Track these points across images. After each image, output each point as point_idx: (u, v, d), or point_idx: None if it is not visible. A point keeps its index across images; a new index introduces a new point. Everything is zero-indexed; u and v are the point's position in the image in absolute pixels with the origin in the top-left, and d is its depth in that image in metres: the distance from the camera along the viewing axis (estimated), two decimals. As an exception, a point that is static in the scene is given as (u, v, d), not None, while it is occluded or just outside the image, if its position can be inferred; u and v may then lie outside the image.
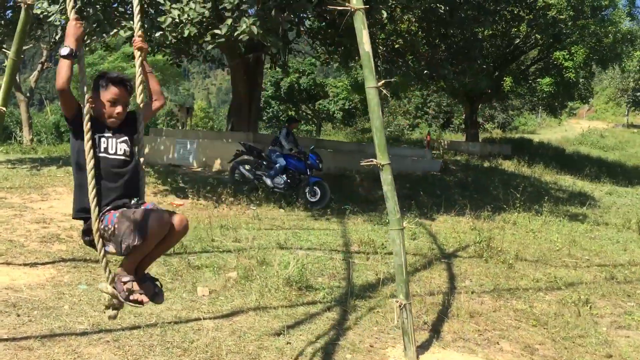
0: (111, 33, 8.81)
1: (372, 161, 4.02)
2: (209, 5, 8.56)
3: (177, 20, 8.39)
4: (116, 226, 2.76)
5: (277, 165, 10.83)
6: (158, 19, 8.41)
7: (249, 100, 13.53)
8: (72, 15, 2.90)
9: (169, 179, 10.70)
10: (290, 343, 4.12)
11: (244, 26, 7.97)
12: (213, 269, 5.92)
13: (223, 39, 8.60)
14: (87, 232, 2.93)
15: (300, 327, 4.49)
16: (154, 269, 5.77)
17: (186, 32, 8.51)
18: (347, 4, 4.02)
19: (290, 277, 5.51)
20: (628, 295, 6.41)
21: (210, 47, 8.85)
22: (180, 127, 24.45)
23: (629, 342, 4.87)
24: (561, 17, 16.85)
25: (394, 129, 49.98)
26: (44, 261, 5.93)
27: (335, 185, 12.07)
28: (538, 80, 20.71)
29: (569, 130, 50.91)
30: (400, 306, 4.02)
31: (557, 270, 7.28)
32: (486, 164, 19.77)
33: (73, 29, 2.81)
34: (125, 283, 2.84)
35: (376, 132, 4.00)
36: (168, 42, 9.03)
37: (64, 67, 2.74)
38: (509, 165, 20.03)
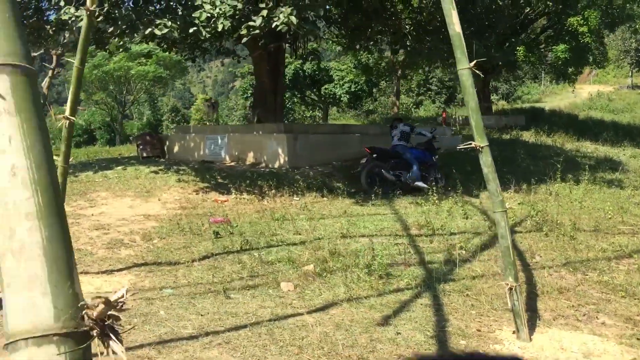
0: (146, 32, 8.71)
1: (471, 144, 3.98)
2: (242, -2, 8.48)
3: (209, 15, 8.31)
4: None
5: (414, 162, 11.03)
6: (193, 15, 8.32)
7: (274, 90, 13.45)
8: None
9: (207, 176, 10.67)
10: (400, 333, 4.10)
11: (282, 17, 7.89)
12: (288, 263, 5.90)
13: (258, 31, 8.51)
14: None
15: (401, 316, 4.47)
16: (227, 268, 5.79)
17: (220, 27, 8.43)
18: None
19: (369, 265, 5.50)
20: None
21: (245, 39, 8.77)
22: (209, 123, 24.28)
23: None
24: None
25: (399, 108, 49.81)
26: (118, 267, 5.92)
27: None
28: (552, 47, 20.53)
29: (570, 95, 50.72)
30: (511, 288, 4.00)
31: (619, 239, 7.26)
32: (506, 137, 19.71)
33: None
34: None
35: (472, 113, 3.95)
36: (202, 38, 8.94)
37: None
38: (528, 136, 19.95)
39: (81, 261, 6.05)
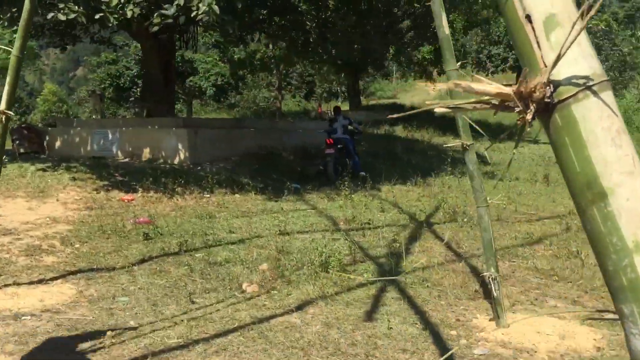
0: (48, 16, 7.87)
1: (459, 142, 4.16)
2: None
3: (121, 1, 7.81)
4: None
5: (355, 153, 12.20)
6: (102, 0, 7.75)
7: (165, 82, 12.86)
8: None
9: (104, 173, 9.98)
10: (392, 328, 4.19)
11: (203, 7, 7.59)
12: (238, 263, 5.76)
13: (171, 20, 8.13)
14: None
15: (381, 311, 4.56)
16: (173, 271, 5.53)
17: (129, 13, 7.94)
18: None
19: (326, 262, 5.54)
20: (587, 241, 7.15)
21: (155, 28, 8.29)
22: (94, 116, 22.51)
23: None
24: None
25: (262, 102, 49.98)
26: (50, 276, 5.39)
27: (270, 164, 12.02)
28: (418, 48, 21.75)
29: (424, 92, 54.18)
30: (492, 278, 4.25)
31: (521, 226, 7.95)
32: (381, 132, 20.58)
33: None
34: None
35: (461, 118, 4.14)
36: (110, 25, 8.33)
37: None
38: (400, 132, 20.99)
39: (5, 271, 5.43)
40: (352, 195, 9.42)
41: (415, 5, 19.94)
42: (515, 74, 58.16)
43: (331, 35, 11.32)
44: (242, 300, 4.82)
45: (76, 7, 7.65)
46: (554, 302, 4.99)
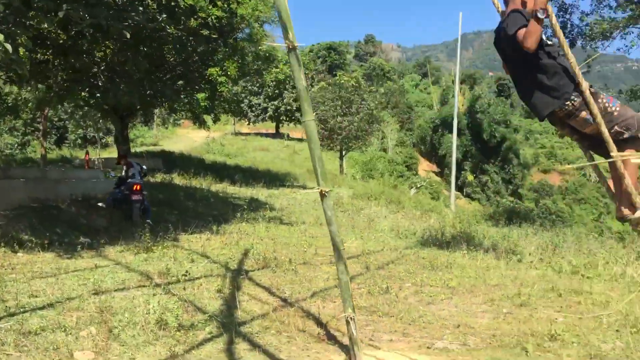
0: None
1: (317, 189, 4.30)
2: None
3: None
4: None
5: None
6: None
7: None
8: None
9: None
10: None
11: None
12: (58, 330, 5.08)
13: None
14: None
15: (239, 365, 4.44)
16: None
17: None
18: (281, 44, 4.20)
19: (160, 320, 5.20)
20: (389, 277, 7.83)
21: None
22: None
23: (430, 309, 6.21)
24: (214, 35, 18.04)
25: (6, 149, 45.16)
26: None
27: (49, 217, 10.87)
28: (193, 95, 21.77)
29: (184, 139, 54.21)
30: (349, 319, 4.42)
31: (326, 268, 8.40)
32: (158, 179, 20.02)
33: None
34: None
35: (318, 161, 4.29)
36: None
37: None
38: (179, 180, 20.64)
39: None
40: (154, 247, 8.99)
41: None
42: (274, 124, 61.50)
43: (120, 80, 10.82)
44: (81, 371, 4.28)
45: None
46: (388, 337, 5.36)
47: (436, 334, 5.35)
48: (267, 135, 59.54)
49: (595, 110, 3.50)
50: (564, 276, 7.80)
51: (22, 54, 8.52)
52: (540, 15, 3.41)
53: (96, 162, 23.81)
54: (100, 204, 12.29)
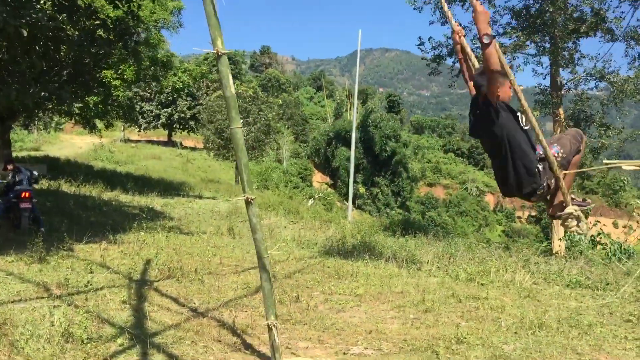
0: None
1: (244, 196, 4.29)
2: None
3: None
4: None
5: None
6: None
7: None
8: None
9: None
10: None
11: None
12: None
13: None
14: None
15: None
16: None
17: None
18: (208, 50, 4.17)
19: (65, 332, 4.94)
20: (297, 286, 7.90)
21: None
22: None
23: (341, 317, 6.37)
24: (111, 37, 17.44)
25: None
26: None
27: None
28: (84, 97, 20.77)
29: (67, 145, 51.60)
30: (272, 326, 4.43)
31: (236, 277, 8.34)
32: (45, 186, 18.87)
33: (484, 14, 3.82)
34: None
35: (244, 169, 4.28)
36: None
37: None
38: (67, 187, 19.58)
39: None
40: (47, 257, 8.50)
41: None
42: (167, 131, 59.92)
43: (12, 80, 10.07)
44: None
45: None
46: (304, 344, 5.41)
47: (350, 340, 5.47)
48: (158, 142, 57.96)
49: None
50: (460, 283, 8.24)
51: None
52: (485, 41, 3.77)
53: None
54: None
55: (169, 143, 57.66)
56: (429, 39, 18.68)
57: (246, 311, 6.50)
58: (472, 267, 9.10)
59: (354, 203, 60.47)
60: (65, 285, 6.89)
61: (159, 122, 55.15)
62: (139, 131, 57.38)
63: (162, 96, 49.92)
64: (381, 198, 60.97)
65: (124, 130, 57.12)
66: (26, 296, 6.42)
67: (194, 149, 56.83)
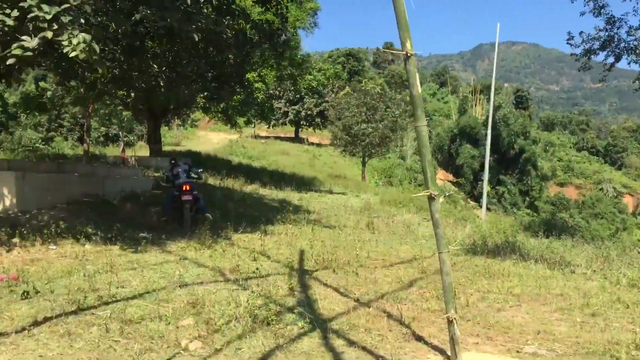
0: None
1: (427, 192, 4.48)
2: (14, 13, 7.20)
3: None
4: None
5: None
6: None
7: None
8: None
9: None
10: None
11: (78, 43, 6.96)
12: (156, 320, 5.30)
13: (31, 53, 7.28)
14: None
15: (346, 357, 4.62)
16: (85, 334, 4.92)
17: (-19, 43, 6.98)
18: (396, 50, 4.39)
19: (252, 313, 5.41)
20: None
21: (11, 61, 7.29)
22: None
23: (503, 315, 6.36)
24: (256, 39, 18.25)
25: (27, 143, 45.59)
26: None
27: (104, 211, 11.14)
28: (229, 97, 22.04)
29: (203, 140, 54.55)
30: (452, 319, 4.59)
31: (385, 271, 8.54)
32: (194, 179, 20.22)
33: None
34: None
35: (428, 165, 4.48)
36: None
37: None
38: (212, 181, 20.87)
39: None
40: (214, 244, 9.23)
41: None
42: (294, 128, 61.83)
43: (179, 81, 11.05)
44: (195, 357, 4.48)
45: None
46: (473, 340, 5.50)
47: (519, 339, 5.49)
48: (286, 139, 59.91)
49: None
50: (622, 288, 7.90)
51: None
52: None
53: (131, 160, 24.09)
54: (155, 210, 12.36)
55: (296, 139, 59.36)
56: (580, 33, 17.85)
57: (406, 304, 6.68)
58: (632, 272, 8.70)
59: (479, 202, 59.01)
60: (236, 271, 7.48)
61: (287, 119, 56.95)
62: (268, 127, 59.60)
63: (290, 94, 51.54)
64: (507, 197, 58.85)
65: (254, 127, 59.62)
66: (205, 279, 7.06)
67: (319, 145, 58.13)
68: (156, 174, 20.10)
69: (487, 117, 58.95)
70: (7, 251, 7.93)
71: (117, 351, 4.56)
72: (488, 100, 77.88)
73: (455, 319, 4.60)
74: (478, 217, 24.67)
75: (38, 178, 10.51)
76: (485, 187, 30.36)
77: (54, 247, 8.39)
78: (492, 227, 15.24)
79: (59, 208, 10.41)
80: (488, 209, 57.40)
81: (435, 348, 5.08)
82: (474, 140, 60.74)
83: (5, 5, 7.19)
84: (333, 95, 47.07)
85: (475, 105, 69.73)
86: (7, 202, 9.58)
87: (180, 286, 6.45)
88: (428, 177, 4.49)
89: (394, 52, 4.45)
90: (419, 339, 5.34)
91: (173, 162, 12.58)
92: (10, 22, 7.18)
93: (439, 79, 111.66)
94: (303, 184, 27.45)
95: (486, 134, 57.98)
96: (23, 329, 4.94)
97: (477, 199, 57.98)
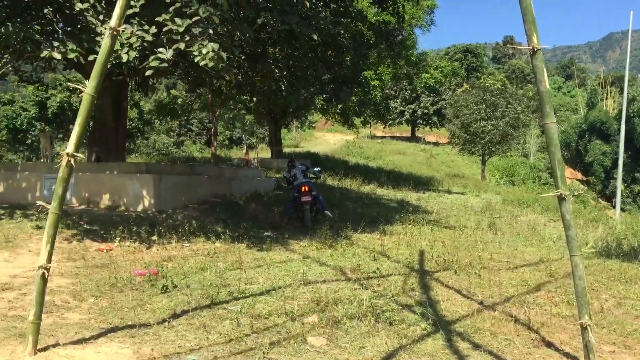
0: (42, 54, 7.25)
1: (557, 192, 4.32)
2: (152, 29, 7.78)
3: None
4: None
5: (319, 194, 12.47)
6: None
7: (116, 127, 12.21)
8: None
9: (69, 222, 9.23)
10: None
11: (208, 52, 7.40)
12: (282, 316, 5.52)
13: (166, 64, 7.85)
14: None
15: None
16: (218, 326, 5.19)
17: (124, 57, 7.60)
18: (522, 46, 4.26)
19: (375, 312, 5.47)
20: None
21: (149, 72, 7.96)
22: (45, 160, 20.57)
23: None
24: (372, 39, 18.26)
25: (161, 147, 48.61)
26: (88, 335, 4.87)
27: (231, 211, 11.71)
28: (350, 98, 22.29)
29: (321, 141, 55.48)
30: (587, 326, 4.38)
31: (511, 274, 8.26)
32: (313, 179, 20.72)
33: None
34: None
35: (558, 164, 4.31)
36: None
37: None
38: (331, 181, 21.27)
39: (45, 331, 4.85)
40: (335, 244, 9.41)
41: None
42: (410, 127, 61.36)
43: (299, 84, 11.47)
44: (322, 354, 4.62)
45: (74, 46, 7.17)
46: (609, 348, 5.20)
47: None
48: (402, 138, 59.57)
49: None
50: None
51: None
52: None
53: (254, 162, 25.15)
54: (277, 210, 12.81)
55: (412, 138, 58.83)
56: None
57: (533, 309, 6.44)
58: None
59: (610, 201, 55.27)
60: (357, 270, 7.59)
61: (403, 118, 56.60)
62: (384, 127, 59.57)
63: (406, 93, 51.19)
64: (643, 197, 54.60)
65: (370, 127, 59.85)
66: (327, 277, 7.22)
67: (436, 144, 57.24)
68: (277, 175, 20.80)
69: (620, 110, 55.16)
70: (147, 248, 8.58)
71: (248, 344, 4.80)
72: (620, 92, 72.84)
73: (589, 325, 4.38)
74: (611, 217, 23.14)
75: (173, 180, 11.27)
76: (619, 186, 28.39)
77: (188, 244, 8.96)
78: (627, 229, 14.25)
79: (191, 208, 11.10)
80: (622, 209, 53.68)
81: (567, 355, 4.87)
82: (604, 136, 56.96)
83: (143, 22, 7.78)
84: (450, 93, 46.18)
85: (606, 98, 65.31)
86: (147, 203, 10.35)
87: (304, 284, 6.66)
88: (558, 176, 4.31)
89: (518, 47, 4.33)
90: (549, 345, 5.14)
91: (290, 163, 12.92)
92: (148, 37, 7.76)
93: (565, 71, 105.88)
94: (420, 183, 27.19)
95: (619, 129, 54.30)
96: (163, 320, 5.33)
97: (609, 198, 54.37)
